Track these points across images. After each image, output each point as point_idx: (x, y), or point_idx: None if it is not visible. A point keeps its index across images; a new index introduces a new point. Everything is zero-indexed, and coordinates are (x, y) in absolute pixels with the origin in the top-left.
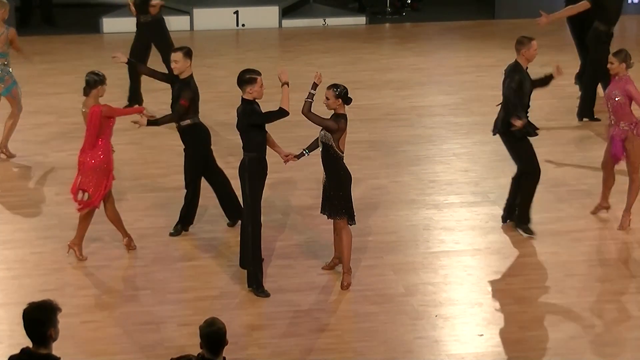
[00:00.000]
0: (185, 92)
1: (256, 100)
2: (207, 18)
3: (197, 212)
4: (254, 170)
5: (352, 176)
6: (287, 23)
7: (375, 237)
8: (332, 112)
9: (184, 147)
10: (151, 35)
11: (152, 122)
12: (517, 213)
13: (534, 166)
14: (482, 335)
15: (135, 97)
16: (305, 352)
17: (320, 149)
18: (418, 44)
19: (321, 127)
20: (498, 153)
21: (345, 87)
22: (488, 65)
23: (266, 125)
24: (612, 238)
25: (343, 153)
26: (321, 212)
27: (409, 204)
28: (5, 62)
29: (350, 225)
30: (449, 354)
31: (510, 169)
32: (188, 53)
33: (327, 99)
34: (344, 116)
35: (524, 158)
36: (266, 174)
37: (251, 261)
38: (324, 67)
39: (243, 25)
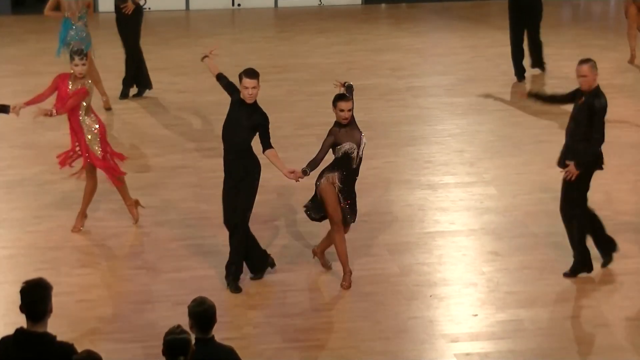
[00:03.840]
0: None
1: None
2: None
3: (192, 191)
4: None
5: None
6: (283, 3)
7: (370, 217)
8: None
9: None
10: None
11: None
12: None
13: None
14: (476, 315)
15: (143, 79)
16: (300, 331)
17: (353, 165)
18: (414, 25)
19: (352, 148)
20: (493, 133)
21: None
22: (483, 45)
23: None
24: (606, 219)
25: None
26: (349, 223)
27: (404, 184)
28: (85, 24)
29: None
30: (443, 334)
31: (506, 150)
32: None
33: (349, 110)
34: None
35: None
36: None
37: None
38: (319, 47)
39: (239, 5)
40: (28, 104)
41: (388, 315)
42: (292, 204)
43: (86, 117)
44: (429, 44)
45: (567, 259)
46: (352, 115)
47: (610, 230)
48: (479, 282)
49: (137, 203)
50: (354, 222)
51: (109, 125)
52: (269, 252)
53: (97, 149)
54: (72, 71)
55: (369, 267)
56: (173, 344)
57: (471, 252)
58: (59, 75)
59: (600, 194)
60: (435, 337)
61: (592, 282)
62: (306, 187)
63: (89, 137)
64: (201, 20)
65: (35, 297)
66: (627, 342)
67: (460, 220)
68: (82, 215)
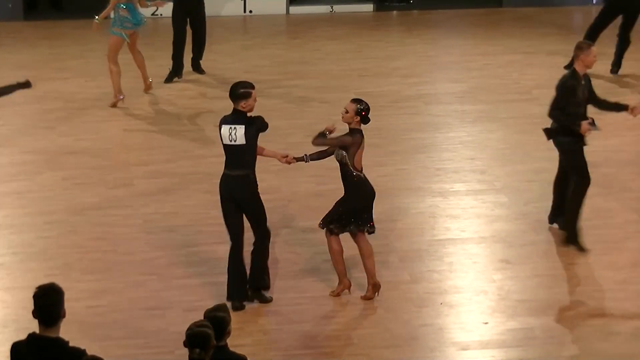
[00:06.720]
0: None
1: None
2: (214, 4)
3: (204, 197)
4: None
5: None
6: (295, 10)
7: (381, 224)
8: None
9: None
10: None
11: None
12: (566, 228)
13: (584, 175)
14: (487, 323)
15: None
16: (310, 338)
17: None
18: (425, 32)
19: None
20: (504, 141)
21: (368, 105)
22: (495, 53)
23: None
24: (617, 227)
25: (360, 171)
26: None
27: (415, 192)
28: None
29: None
30: (453, 342)
31: (517, 157)
32: None
33: (347, 111)
34: (359, 131)
35: (577, 166)
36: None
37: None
38: (331, 54)
39: (250, 11)
40: None
41: (398, 322)
42: (303, 211)
43: None
44: (441, 51)
45: (578, 267)
46: None
47: (621, 238)
48: (490, 289)
49: None
50: (374, 232)
51: (121, 130)
52: (279, 258)
53: None
54: None
55: (380, 274)
56: (189, 336)
57: (482, 260)
58: None
59: (611, 202)
60: (445, 345)
61: (604, 291)
62: (317, 193)
63: None
64: (213, 27)
65: (48, 301)
66: (638, 351)
67: (471, 228)
68: None
